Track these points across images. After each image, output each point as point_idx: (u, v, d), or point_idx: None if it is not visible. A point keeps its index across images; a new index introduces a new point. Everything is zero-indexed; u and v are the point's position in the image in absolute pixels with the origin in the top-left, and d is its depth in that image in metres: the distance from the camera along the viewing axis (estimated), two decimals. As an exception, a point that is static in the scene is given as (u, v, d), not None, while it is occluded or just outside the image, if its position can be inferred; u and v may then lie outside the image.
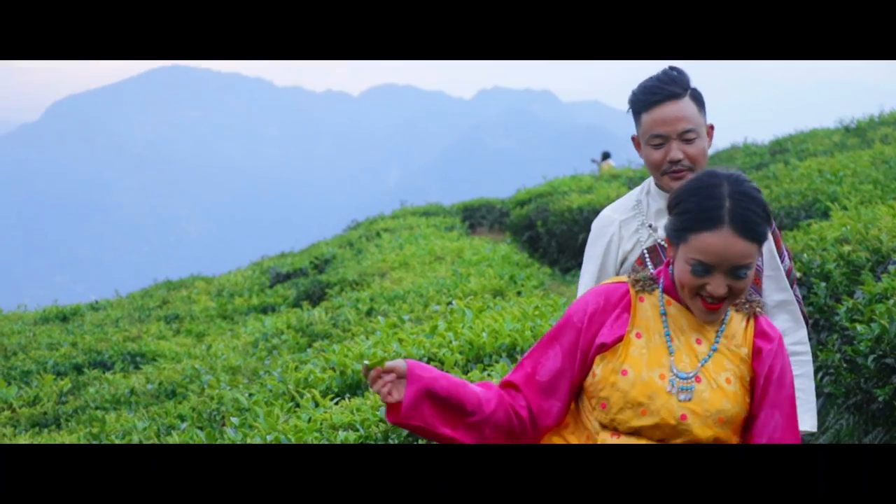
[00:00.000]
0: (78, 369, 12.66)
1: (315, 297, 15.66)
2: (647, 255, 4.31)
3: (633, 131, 4.29)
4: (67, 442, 8.56)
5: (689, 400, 3.32)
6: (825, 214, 11.25)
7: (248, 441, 6.49)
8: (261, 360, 10.69)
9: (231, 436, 6.88)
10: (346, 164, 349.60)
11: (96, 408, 10.19)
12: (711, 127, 4.22)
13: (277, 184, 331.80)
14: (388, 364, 3.28)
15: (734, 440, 3.38)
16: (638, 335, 3.40)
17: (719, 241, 3.20)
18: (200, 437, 7.40)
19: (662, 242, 4.26)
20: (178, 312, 16.99)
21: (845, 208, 10.30)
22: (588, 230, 4.66)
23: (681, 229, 3.28)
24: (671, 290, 3.44)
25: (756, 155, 21.97)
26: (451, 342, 7.32)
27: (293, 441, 6.23)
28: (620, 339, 3.40)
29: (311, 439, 6.11)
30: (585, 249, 4.60)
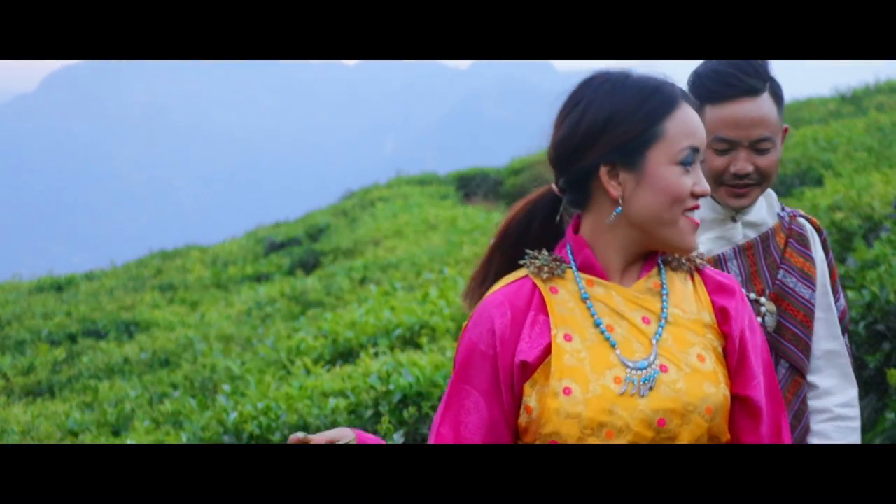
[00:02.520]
0: (72, 339, 12.66)
1: (309, 265, 15.67)
2: None
3: None
4: (61, 410, 8.57)
5: (660, 395, 2.52)
6: (819, 182, 11.24)
7: (240, 408, 6.49)
8: (254, 329, 10.69)
9: (222, 403, 6.88)
10: (343, 134, 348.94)
11: (90, 377, 10.19)
12: (786, 130, 3.46)
13: (274, 153, 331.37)
14: (334, 432, 2.57)
15: (727, 433, 2.61)
16: (567, 337, 2.55)
17: (691, 112, 2.56)
18: (192, 405, 7.41)
19: (705, 263, 3.30)
20: (173, 282, 16.98)
21: (839, 175, 10.29)
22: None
23: (642, 128, 2.52)
24: (590, 265, 2.62)
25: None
26: (442, 310, 7.32)
27: (283, 408, 6.23)
28: (547, 350, 2.54)
29: (301, 406, 6.11)
30: None
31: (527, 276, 2.63)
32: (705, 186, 2.55)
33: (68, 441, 7.56)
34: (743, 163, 3.31)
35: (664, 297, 2.63)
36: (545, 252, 2.66)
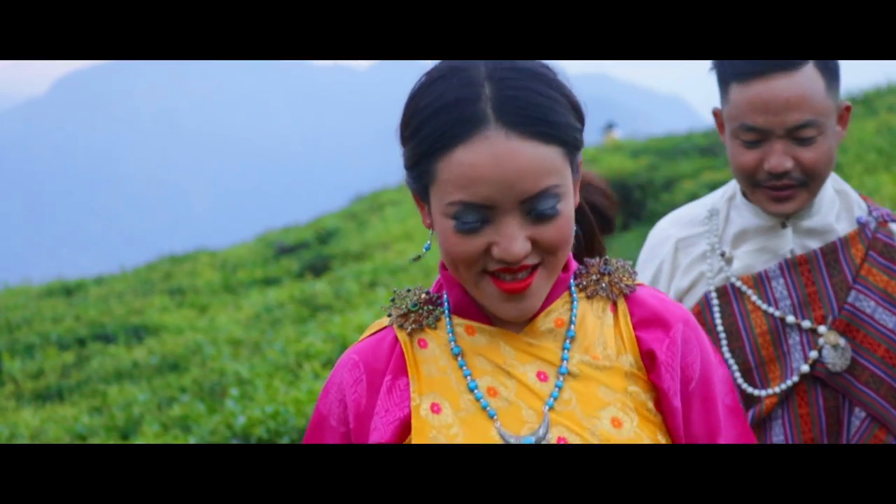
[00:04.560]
0: (81, 343, 12.66)
1: (318, 269, 15.66)
2: (713, 301, 2.78)
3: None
4: (70, 414, 8.57)
5: None
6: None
7: (248, 412, 6.48)
8: (263, 333, 10.68)
9: (231, 407, 6.88)
10: (353, 138, 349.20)
11: (99, 381, 10.20)
12: (847, 109, 2.69)
13: (284, 157, 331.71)
14: None
15: None
16: (435, 407, 1.93)
17: (481, 153, 1.79)
18: (201, 409, 7.40)
19: (739, 282, 2.76)
20: (182, 286, 16.99)
21: (849, 177, 10.26)
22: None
23: (421, 154, 1.86)
24: (465, 307, 1.98)
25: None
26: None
27: (292, 412, 6.22)
28: (405, 426, 1.94)
29: (310, 410, 6.10)
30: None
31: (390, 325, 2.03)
32: (507, 251, 1.81)
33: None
34: (779, 157, 2.59)
35: (567, 340, 1.96)
36: (418, 291, 2.05)
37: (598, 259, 2.06)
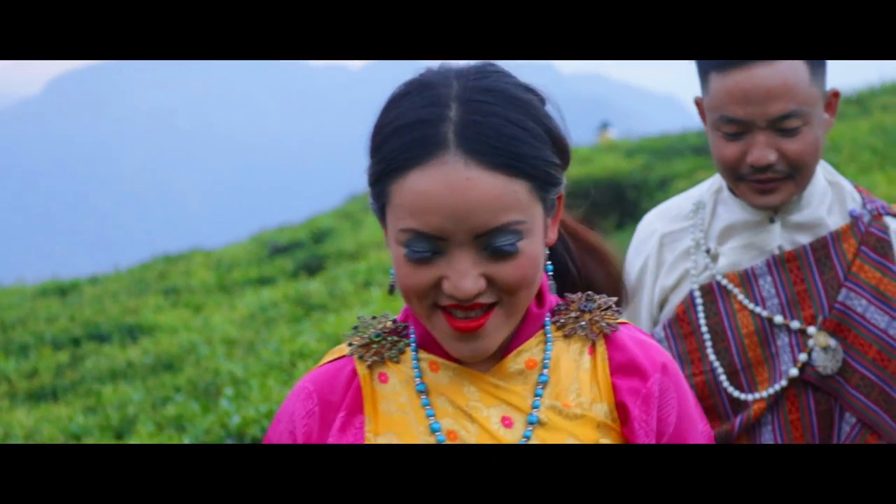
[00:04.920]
0: (76, 342, 12.64)
1: (313, 268, 15.65)
2: (697, 299, 2.66)
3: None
4: (64, 414, 8.56)
5: None
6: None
7: (243, 412, 6.48)
8: (257, 332, 10.67)
9: (225, 407, 6.87)
10: (348, 137, 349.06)
11: (93, 380, 10.19)
12: (835, 95, 2.57)
13: (279, 155, 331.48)
14: None
15: None
16: None
17: (436, 180, 1.65)
18: (195, 409, 7.39)
19: (725, 280, 2.64)
20: (177, 285, 16.96)
21: (843, 175, 10.28)
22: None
23: (378, 174, 1.73)
24: (430, 340, 1.82)
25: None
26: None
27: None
28: None
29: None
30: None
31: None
32: (457, 287, 1.66)
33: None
34: (761, 150, 2.48)
35: (539, 385, 1.79)
36: (383, 319, 1.89)
37: (580, 294, 1.88)
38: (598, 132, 28.21)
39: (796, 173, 2.53)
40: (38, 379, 10.54)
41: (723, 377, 2.63)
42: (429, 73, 1.77)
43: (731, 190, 2.68)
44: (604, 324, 1.84)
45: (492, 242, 1.65)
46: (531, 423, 1.75)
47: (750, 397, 2.61)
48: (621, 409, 1.78)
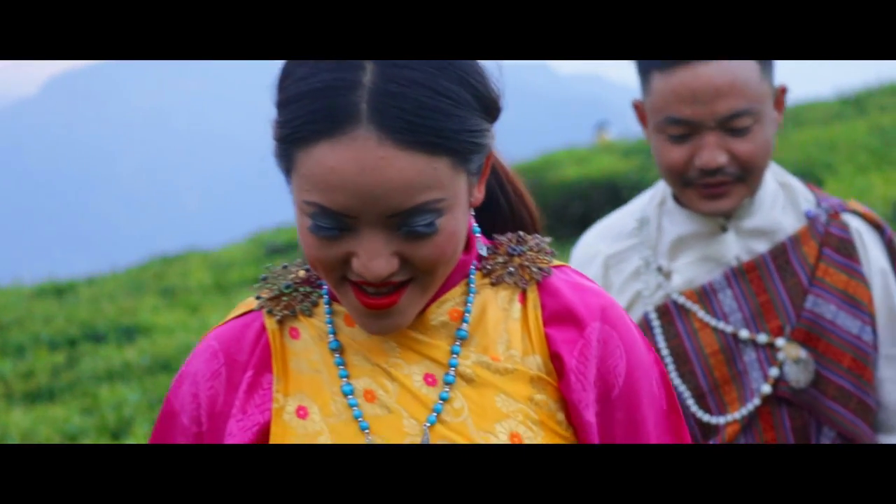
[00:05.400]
0: (72, 343, 12.62)
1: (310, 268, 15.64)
2: (653, 322, 2.47)
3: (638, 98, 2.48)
4: (61, 415, 8.55)
5: None
6: (819, 185, 11.22)
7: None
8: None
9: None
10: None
11: (90, 381, 10.18)
12: (783, 91, 2.43)
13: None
14: None
15: None
16: (301, 411, 1.63)
17: (345, 157, 1.47)
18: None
19: (682, 298, 2.45)
20: (174, 286, 16.95)
21: (839, 176, 10.27)
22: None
23: (283, 136, 1.54)
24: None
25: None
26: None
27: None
28: (264, 432, 1.63)
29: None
30: None
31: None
32: (366, 268, 1.51)
33: (68, 446, 7.55)
34: (711, 152, 2.30)
35: (457, 340, 1.62)
36: (295, 268, 1.73)
37: (510, 236, 1.71)
38: (595, 132, 28.17)
39: (748, 175, 2.35)
40: (35, 379, 10.52)
41: (690, 401, 2.44)
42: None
43: (677, 199, 2.49)
44: (534, 268, 1.66)
45: (406, 223, 1.50)
46: (447, 384, 1.59)
47: (721, 420, 2.42)
48: (556, 361, 1.61)
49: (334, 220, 1.50)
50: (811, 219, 2.47)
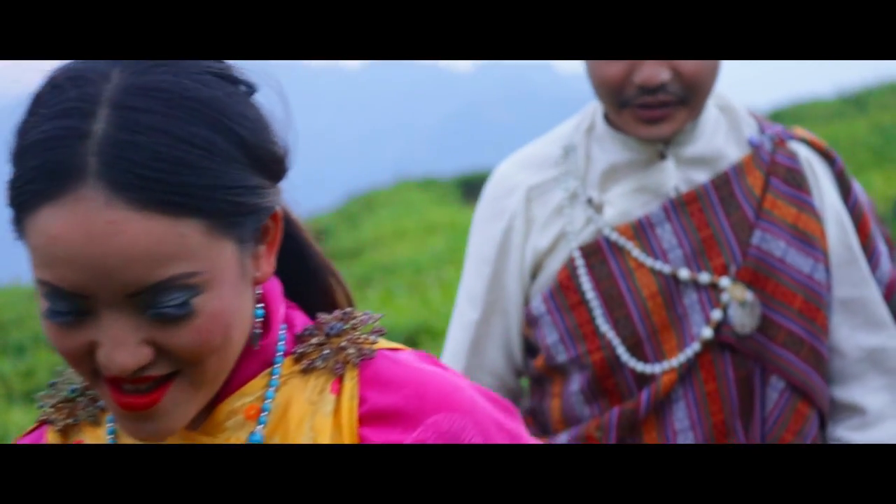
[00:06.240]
0: (73, 342, 12.64)
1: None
2: (578, 262, 2.20)
3: None
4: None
5: None
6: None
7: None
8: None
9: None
10: (346, 137, 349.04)
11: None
12: None
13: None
14: None
15: None
16: None
17: (70, 222, 1.18)
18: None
19: (615, 234, 2.19)
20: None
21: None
22: None
23: (9, 200, 1.25)
24: None
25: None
26: (442, 311, 7.29)
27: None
28: None
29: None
30: (469, 240, 2.39)
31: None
32: (111, 360, 1.21)
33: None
34: (652, 67, 2.05)
35: (251, 443, 1.33)
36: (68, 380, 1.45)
37: (336, 313, 1.40)
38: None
39: (692, 97, 2.10)
40: (35, 379, 10.52)
41: (622, 350, 2.19)
42: (88, 64, 1.26)
43: (610, 123, 2.22)
44: (352, 350, 1.35)
45: (153, 304, 1.20)
46: None
47: (657, 368, 2.18)
48: None
49: (67, 303, 1.21)
50: (755, 147, 2.24)
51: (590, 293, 2.20)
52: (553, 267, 2.24)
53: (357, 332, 1.36)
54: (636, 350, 2.19)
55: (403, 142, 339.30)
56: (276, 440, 1.31)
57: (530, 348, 2.32)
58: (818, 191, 2.25)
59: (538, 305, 2.25)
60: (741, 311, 2.14)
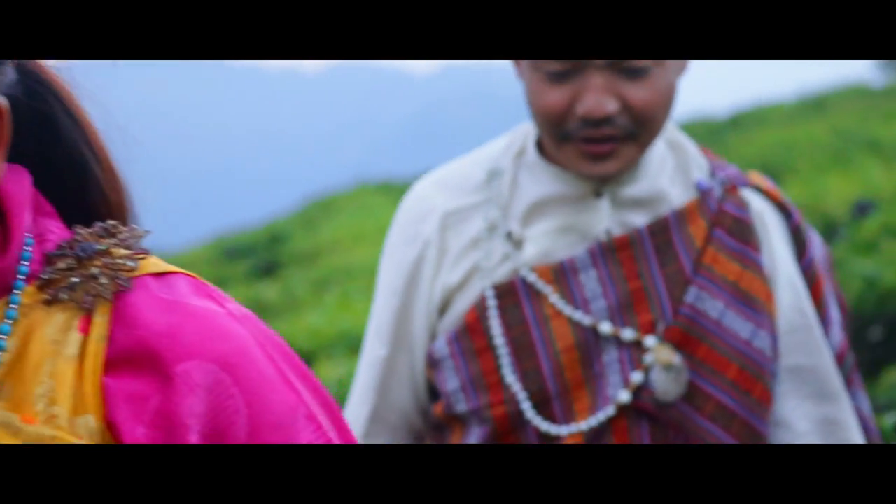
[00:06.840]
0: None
1: (269, 271, 15.65)
2: (490, 302, 1.94)
3: None
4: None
5: None
6: (779, 184, 11.27)
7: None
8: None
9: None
10: (305, 140, 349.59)
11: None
12: None
13: (237, 159, 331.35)
14: None
15: None
16: None
17: None
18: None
19: (533, 276, 1.94)
20: (131, 288, 16.86)
21: (798, 173, 10.36)
22: None
23: None
24: None
25: (715, 132, 21.99)
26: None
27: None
28: None
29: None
30: (380, 265, 2.11)
31: None
32: None
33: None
34: (597, 96, 1.82)
35: None
36: None
37: (97, 226, 1.14)
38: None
39: (642, 131, 1.86)
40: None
41: (528, 407, 1.94)
42: None
43: (543, 151, 1.98)
44: (104, 280, 1.08)
45: None
46: None
47: (564, 431, 1.93)
48: (114, 431, 1.06)
49: None
50: (703, 191, 1.98)
51: (498, 339, 1.95)
52: (462, 306, 1.98)
53: (115, 256, 1.10)
54: (543, 408, 1.94)
55: (364, 145, 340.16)
56: (9, 386, 1.05)
57: (433, 391, 2.05)
58: (768, 247, 1.99)
59: (441, 347, 1.99)
60: (665, 375, 1.89)
